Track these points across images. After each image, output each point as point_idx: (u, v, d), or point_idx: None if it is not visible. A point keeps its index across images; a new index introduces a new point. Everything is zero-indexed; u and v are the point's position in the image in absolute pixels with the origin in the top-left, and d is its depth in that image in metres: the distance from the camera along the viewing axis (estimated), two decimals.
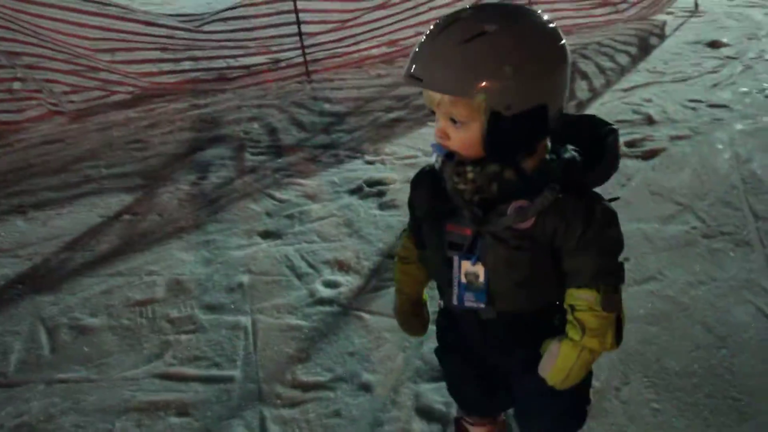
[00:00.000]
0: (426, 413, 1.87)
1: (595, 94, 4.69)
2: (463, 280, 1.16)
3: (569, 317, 1.14)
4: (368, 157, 3.80)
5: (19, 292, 2.66)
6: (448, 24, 1.02)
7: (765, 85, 4.57)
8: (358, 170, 3.62)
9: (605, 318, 1.11)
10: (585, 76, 5.09)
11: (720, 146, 3.63)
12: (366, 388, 2.03)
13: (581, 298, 1.12)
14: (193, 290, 2.59)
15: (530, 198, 1.07)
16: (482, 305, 1.17)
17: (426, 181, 1.22)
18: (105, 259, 2.86)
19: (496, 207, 1.10)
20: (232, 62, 5.91)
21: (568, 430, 1.37)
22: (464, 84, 1.01)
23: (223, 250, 2.88)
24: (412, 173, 3.10)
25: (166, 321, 2.41)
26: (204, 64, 5.69)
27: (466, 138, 1.06)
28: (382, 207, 3.18)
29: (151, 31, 5.22)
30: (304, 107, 4.87)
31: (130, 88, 5.19)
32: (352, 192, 3.36)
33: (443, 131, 1.07)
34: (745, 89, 4.53)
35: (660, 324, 2.18)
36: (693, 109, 4.23)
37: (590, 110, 4.38)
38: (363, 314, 2.39)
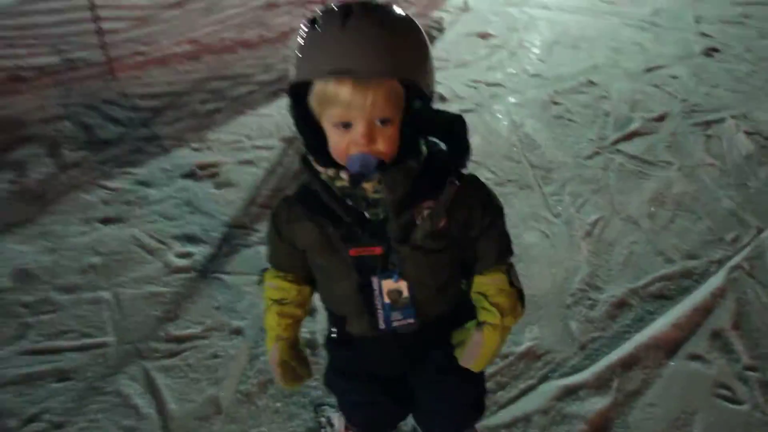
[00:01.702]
0: None
1: None
2: (387, 300, 1.12)
3: (484, 304, 1.15)
4: (194, 145, 3.94)
5: None
6: (345, 15, 0.94)
7: (527, 67, 5.46)
8: (187, 156, 3.77)
9: (514, 294, 1.15)
10: None
11: (500, 116, 4.35)
12: (237, 331, 2.28)
13: (492, 284, 1.15)
14: (41, 276, 2.61)
15: (432, 194, 1.06)
16: (411, 320, 1.14)
17: (300, 213, 1.13)
18: None
19: (401, 216, 1.07)
20: (21, 63, 5.58)
21: (471, 421, 1.42)
22: (402, 63, 0.96)
23: (64, 238, 2.90)
24: (240, 156, 3.37)
25: (20, 306, 2.42)
26: None
27: (394, 134, 0.99)
28: (219, 186, 3.39)
29: None
30: (115, 104, 4.81)
31: None
32: (186, 176, 3.50)
33: (369, 136, 0.97)
34: (512, 71, 5.39)
35: None
36: (474, 88, 4.95)
37: None
38: (221, 275, 2.61)
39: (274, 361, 1.22)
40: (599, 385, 1.98)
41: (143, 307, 2.41)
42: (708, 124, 3.98)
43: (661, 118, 4.11)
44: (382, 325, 1.14)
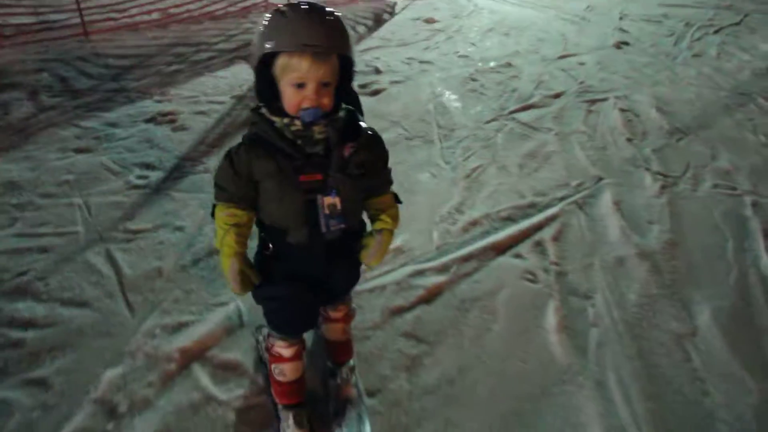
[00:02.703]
0: None
1: None
2: (327, 211, 1.52)
3: (381, 216, 1.63)
4: (157, 97, 4.60)
5: None
6: (308, 10, 1.38)
7: (458, 49, 6.20)
8: (150, 106, 4.42)
9: (397, 208, 1.69)
10: None
11: (423, 88, 5.07)
12: (179, 228, 2.97)
13: (386, 202, 1.65)
14: (25, 186, 3.26)
15: (352, 139, 1.51)
16: (343, 225, 1.55)
17: (259, 153, 1.49)
18: None
19: (332, 153, 1.48)
20: (1, 21, 6.13)
21: (353, 286, 1.92)
22: (344, 44, 1.41)
23: (44, 161, 3.54)
24: (197, 108, 4.08)
25: (9, 205, 3.08)
26: None
27: (331, 95, 1.43)
28: (175, 130, 4.06)
29: None
30: (88, 62, 5.42)
31: None
32: (148, 120, 4.17)
33: (317, 93, 1.40)
34: (445, 51, 6.12)
35: None
36: (408, 64, 5.67)
37: None
38: (170, 192, 3.29)
39: (234, 271, 1.53)
40: (442, 269, 2.72)
41: (107, 210, 3.08)
42: (593, 102, 4.76)
43: (557, 96, 4.88)
44: (324, 229, 1.53)
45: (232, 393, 2.04)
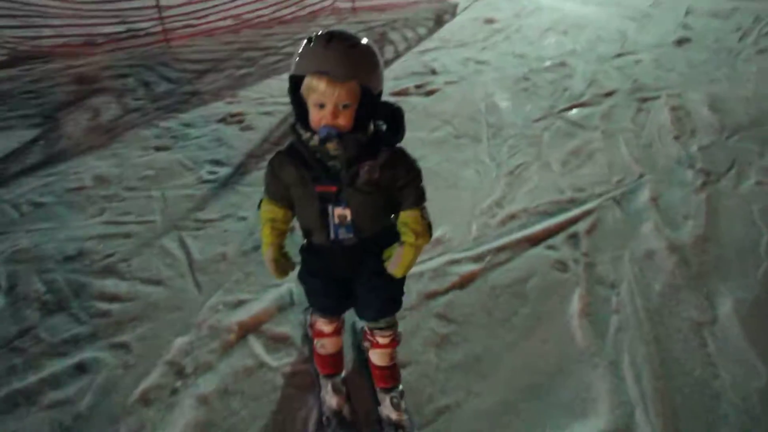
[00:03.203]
0: None
1: (398, 55, 6.22)
2: (336, 221, 1.67)
3: (404, 230, 1.71)
4: (227, 99, 5.01)
5: None
6: (329, 38, 1.48)
7: (515, 48, 6.35)
8: (221, 107, 4.83)
9: (425, 225, 1.72)
10: (392, 42, 6.61)
11: (477, 88, 5.27)
12: (242, 218, 3.31)
13: (410, 217, 1.71)
14: (112, 180, 3.71)
15: (372, 157, 1.59)
16: (351, 235, 1.70)
17: (287, 161, 1.65)
18: (36, 167, 3.86)
19: (350, 168, 1.58)
20: (93, 31, 6.74)
21: (390, 312, 1.99)
22: (359, 72, 1.49)
23: (128, 159, 3.99)
24: (263, 109, 4.48)
25: (98, 197, 3.52)
26: (68, 31, 6.50)
27: (350, 115, 1.52)
28: (243, 129, 4.44)
29: None
30: (168, 66, 5.92)
31: (4, 51, 5.91)
32: (219, 121, 4.57)
33: (333, 114, 1.50)
34: (502, 51, 6.28)
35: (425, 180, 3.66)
36: (464, 64, 5.88)
37: (394, 66, 5.90)
38: (236, 186, 3.65)
39: (269, 259, 1.76)
40: (477, 258, 2.95)
41: (181, 202, 3.47)
42: (645, 100, 4.84)
43: (609, 94, 4.98)
44: (332, 236, 1.70)
45: (281, 361, 2.35)
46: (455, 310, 2.60)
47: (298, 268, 1.87)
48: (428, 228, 1.75)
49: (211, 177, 3.72)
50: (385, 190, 1.67)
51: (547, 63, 5.76)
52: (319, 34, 1.53)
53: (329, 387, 2.12)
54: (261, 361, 2.34)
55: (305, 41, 1.55)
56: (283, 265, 1.79)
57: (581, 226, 3.18)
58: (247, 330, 2.50)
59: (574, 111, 4.64)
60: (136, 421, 2.09)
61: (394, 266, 1.75)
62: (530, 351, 2.41)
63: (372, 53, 1.55)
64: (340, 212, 1.66)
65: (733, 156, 3.90)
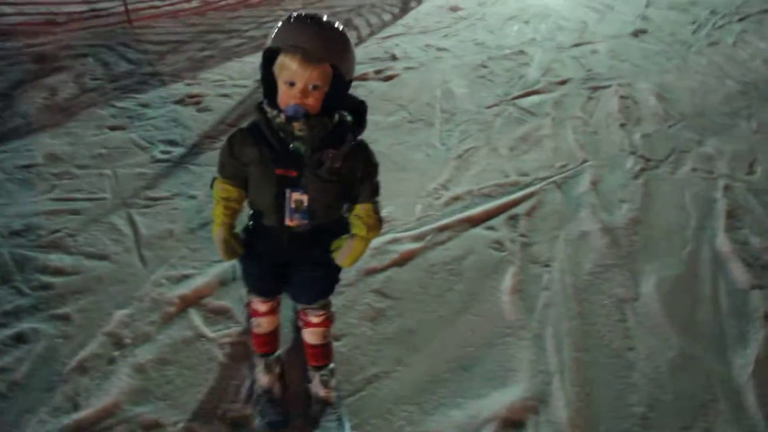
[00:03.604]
0: None
1: (361, 41, 6.26)
2: (293, 205, 1.67)
3: (357, 222, 1.73)
4: (187, 81, 5.02)
5: None
6: (310, 18, 1.52)
7: (476, 37, 6.43)
8: (180, 89, 4.85)
9: (376, 219, 1.76)
10: (356, 28, 6.65)
11: (435, 74, 5.34)
12: (192, 197, 3.36)
13: (365, 210, 1.73)
14: (64, 158, 3.72)
15: (336, 145, 1.61)
16: (305, 221, 1.70)
17: (249, 139, 1.65)
18: None
19: (314, 154, 1.60)
20: (55, 9, 6.67)
21: (326, 295, 2.02)
22: (335, 54, 1.51)
23: (82, 137, 4.00)
24: (221, 91, 4.51)
25: (49, 174, 3.54)
26: (29, 9, 6.43)
27: (320, 97, 1.54)
28: (200, 111, 4.47)
29: None
30: (129, 47, 5.89)
31: None
32: (176, 102, 4.59)
33: (303, 93, 1.51)
34: (462, 39, 6.36)
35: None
36: (425, 51, 5.95)
37: (356, 51, 5.94)
38: (189, 165, 3.69)
39: (220, 239, 1.77)
40: (418, 237, 3.04)
41: (132, 180, 3.51)
42: (596, 89, 4.97)
43: (563, 83, 5.10)
44: (286, 221, 1.70)
45: (220, 332, 2.43)
46: (392, 286, 2.70)
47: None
48: (379, 222, 1.78)
49: (164, 156, 3.76)
50: (344, 180, 1.69)
51: (506, 51, 5.87)
52: (298, 14, 1.56)
53: (262, 365, 2.14)
54: (199, 332, 2.42)
55: (286, 18, 1.56)
56: (232, 246, 1.79)
57: (521, 209, 3.30)
58: (188, 303, 2.57)
59: (527, 99, 4.74)
60: (71, 389, 2.15)
61: (343, 257, 1.78)
62: (461, 325, 2.52)
63: (348, 40, 1.58)
64: (297, 197, 1.67)
65: (674, 144, 4.05)
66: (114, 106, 4.46)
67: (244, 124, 1.74)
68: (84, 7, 6.87)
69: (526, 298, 2.66)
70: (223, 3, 7.34)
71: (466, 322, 2.54)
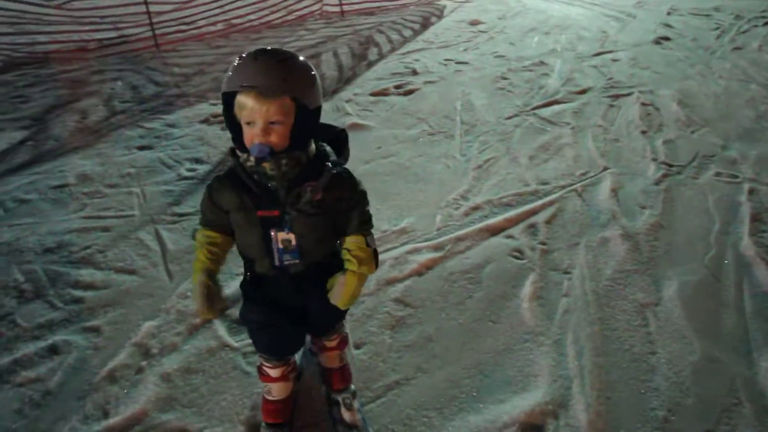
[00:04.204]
0: None
1: (382, 56, 6.37)
2: (280, 246, 1.56)
3: (347, 257, 1.62)
4: (212, 101, 5.16)
5: None
6: (260, 53, 1.42)
7: (497, 49, 6.49)
8: (205, 109, 4.99)
9: (369, 252, 1.62)
10: (377, 44, 6.76)
11: (455, 87, 5.41)
12: None
13: (353, 243, 1.62)
14: (95, 178, 3.86)
15: (315, 178, 1.50)
16: (297, 261, 1.59)
17: (228, 186, 1.56)
18: (23, 166, 4.01)
19: (292, 190, 1.50)
20: (86, 37, 6.93)
21: (337, 323, 1.98)
22: (289, 86, 1.40)
23: (112, 157, 4.14)
24: None
25: (81, 194, 3.67)
26: (62, 37, 6.68)
27: (284, 132, 1.43)
28: (224, 129, 4.59)
29: (4, 5, 6.16)
30: (156, 70, 6.09)
31: (0, 57, 6.09)
32: (202, 121, 4.72)
33: (264, 131, 1.41)
34: (483, 52, 6.42)
35: (394, 174, 3.78)
36: (445, 65, 6.02)
37: (377, 68, 6.04)
38: None
39: (200, 283, 1.59)
40: (437, 247, 3.07)
41: (159, 197, 3.62)
42: (617, 97, 4.97)
43: (583, 92, 5.11)
44: (276, 263, 1.58)
45: (243, 342, 2.48)
46: (412, 295, 2.73)
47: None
48: (374, 255, 1.66)
49: (190, 174, 3.86)
50: (329, 212, 1.60)
51: (526, 62, 5.90)
52: (249, 51, 1.47)
53: None
54: (223, 342, 2.47)
55: (238, 57, 1.48)
56: (212, 294, 1.61)
57: (541, 217, 3.31)
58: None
59: (548, 108, 4.76)
60: (101, 397, 2.22)
61: (337, 297, 1.65)
62: (481, 332, 2.53)
63: (304, 68, 1.48)
64: (283, 236, 1.56)
65: (697, 149, 4.02)
66: (142, 127, 4.60)
67: (222, 171, 1.66)
68: (113, 34, 7.12)
69: (546, 305, 2.67)
70: (246, 25, 7.52)
71: (485, 328, 2.55)
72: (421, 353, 2.42)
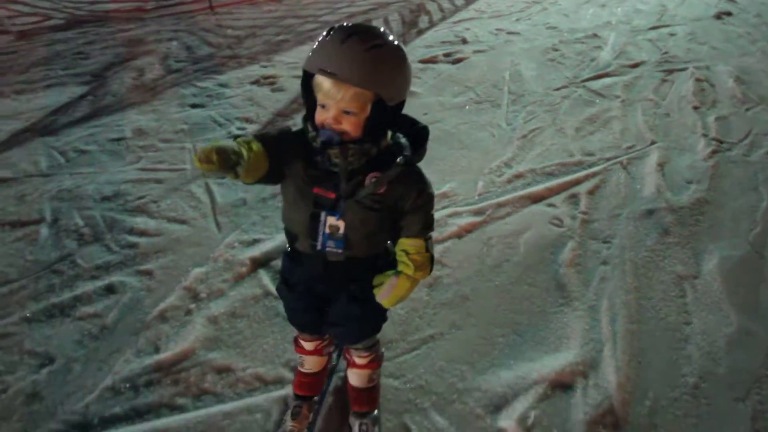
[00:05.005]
0: None
1: (432, 24, 6.35)
2: (327, 231, 1.45)
3: (404, 259, 1.50)
4: (263, 63, 5.25)
5: (29, 136, 3.97)
6: (348, 35, 1.26)
7: (549, 20, 6.38)
8: (256, 70, 5.08)
9: (427, 257, 1.51)
10: (428, 12, 6.73)
11: (504, 57, 5.37)
12: None
13: (412, 246, 1.50)
14: (149, 133, 4.01)
15: (382, 170, 1.39)
16: (339, 250, 1.47)
17: (300, 148, 1.40)
18: (83, 119, 4.19)
19: (355, 178, 1.39)
20: None
21: (371, 335, 1.80)
22: (372, 79, 1.28)
23: (166, 114, 4.29)
24: (295, 72, 4.70)
25: (137, 147, 3.82)
26: None
27: (357, 123, 1.32)
28: (274, 91, 4.68)
29: None
30: (211, 32, 6.20)
31: (64, 15, 6.30)
32: (253, 82, 4.82)
33: (335, 119, 1.31)
34: (535, 23, 6.33)
35: (438, 140, 3.83)
36: (495, 34, 5.97)
37: (426, 35, 6.03)
38: None
39: (212, 145, 1.23)
40: (478, 212, 3.12)
41: None
42: (671, 71, 4.86)
43: (636, 65, 5.01)
44: (318, 246, 1.47)
45: None
46: (451, 256, 2.79)
47: (238, 169, 1.29)
48: (430, 261, 1.54)
49: (240, 132, 3.97)
50: (390, 209, 1.47)
51: (579, 35, 5.80)
52: (339, 27, 1.31)
53: (290, 410, 1.96)
54: (267, 290, 2.59)
55: (326, 32, 1.33)
56: (222, 152, 1.24)
57: (584, 187, 3.31)
58: (258, 264, 2.75)
59: (598, 81, 4.70)
60: (153, 334, 2.37)
61: (384, 296, 1.54)
62: (516, 294, 2.58)
63: (395, 59, 1.34)
64: (333, 222, 1.45)
65: (750, 126, 3.93)
66: (195, 86, 4.73)
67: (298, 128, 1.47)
68: None
69: (583, 272, 2.69)
70: None
71: (520, 291, 2.60)
72: (457, 311, 2.48)
